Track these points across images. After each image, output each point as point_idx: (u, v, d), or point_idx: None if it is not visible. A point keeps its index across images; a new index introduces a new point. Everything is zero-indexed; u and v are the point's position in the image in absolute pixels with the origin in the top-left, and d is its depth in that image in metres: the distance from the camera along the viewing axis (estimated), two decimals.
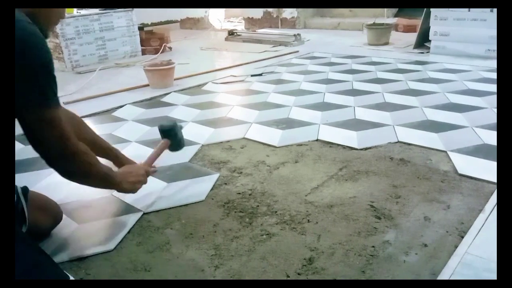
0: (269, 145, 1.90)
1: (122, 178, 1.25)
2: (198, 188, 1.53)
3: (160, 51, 4.25)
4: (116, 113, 2.46)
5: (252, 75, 3.24)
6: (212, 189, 1.53)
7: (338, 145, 1.87)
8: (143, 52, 4.25)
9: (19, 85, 0.86)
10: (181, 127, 1.56)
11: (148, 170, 1.38)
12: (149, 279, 1.08)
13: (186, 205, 1.43)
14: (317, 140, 1.94)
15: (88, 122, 2.32)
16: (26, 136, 0.96)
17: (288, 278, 1.06)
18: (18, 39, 0.85)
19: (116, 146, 1.93)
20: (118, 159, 1.42)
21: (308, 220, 1.31)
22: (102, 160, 1.25)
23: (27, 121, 0.93)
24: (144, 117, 2.36)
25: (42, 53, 0.92)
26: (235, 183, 1.56)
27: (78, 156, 1.04)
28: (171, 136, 1.51)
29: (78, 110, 2.48)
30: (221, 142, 1.96)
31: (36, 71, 0.90)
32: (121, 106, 2.57)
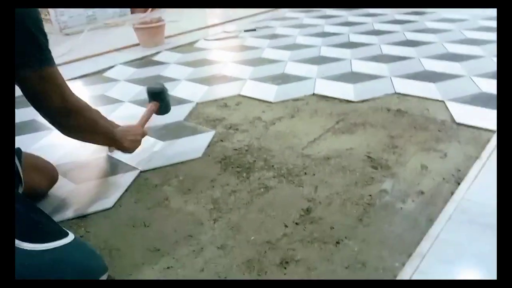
0: (264, 101, 1.88)
1: (121, 136, 1.26)
2: (194, 146, 1.52)
3: (150, 9, 4.11)
4: (107, 74, 2.41)
5: (245, 31, 3.15)
6: (208, 146, 1.52)
7: (335, 98, 1.85)
8: (132, 11, 4.11)
9: (18, 47, 0.86)
10: (167, 91, 1.55)
11: (144, 131, 1.39)
12: (149, 234, 1.09)
13: (183, 162, 1.42)
14: (313, 94, 1.91)
15: (79, 84, 2.29)
16: (27, 96, 0.96)
17: (286, 228, 1.07)
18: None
19: (109, 107, 1.93)
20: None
21: (305, 172, 1.31)
22: None
23: (28, 79, 0.93)
24: (136, 77, 2.31)
25: (37, 14, 0.93)
26: (231, 140, 1.55)
27: (82, 111, 1.05)
28: (160, 99, 1.51)
29: (68, 72, 2.44)
30: (216, 100, 1.93)
31: (33, 31, 0.91)
32: (112, 67, 2.52)
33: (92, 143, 1.25)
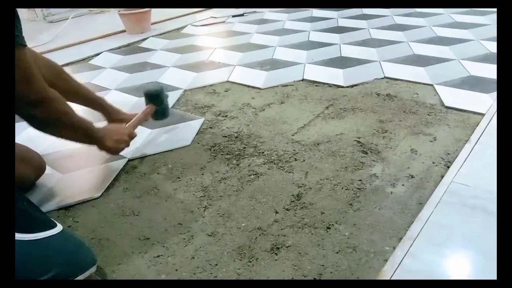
0: (253, 87, 1.86)
1: (105, 134, 1.19)
2: (183, 133, 1.50)
3: None
4: (93, 61, 2.36)
5: (233, 16, 3.11)
6: (197, 133, 1.50)
7: (324, 83, 1.84)
8: None
9: None
10: (167, 96, 1.47)
11: (133, 133, 1.32)
12: (138, 223, 1.07)
13: (172, 150, 1.40)
14: (302, 80, 1.90)
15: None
16: None
17: (277, 214, 1.06)
18: None
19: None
20: (106, 110, 1.37)
21: (295, 158, 1.30)
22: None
23: None
24: (122, 64, 2.27)
25: None
26: (220, 127, 1.54)
27: (46, 102, 0.97)
28: (157, 102, 1.43)
29: (53, 60, 2.38)
30: (204, 86, 1.91)
31: None
32: (97, 54, 2.47)
33: (71, 140, 1.14)
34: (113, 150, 1.24)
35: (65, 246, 0.87)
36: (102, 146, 1.20)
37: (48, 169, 1.30)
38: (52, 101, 0.99)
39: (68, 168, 1.34)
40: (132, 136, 1.31)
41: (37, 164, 1.26)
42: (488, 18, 2.60)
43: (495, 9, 2.78)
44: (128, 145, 1.28)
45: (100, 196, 1.19)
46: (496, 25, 2.44)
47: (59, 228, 0.88)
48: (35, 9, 3.43)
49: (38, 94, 0.94)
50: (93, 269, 0.88)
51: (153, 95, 1.43)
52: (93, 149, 1.42)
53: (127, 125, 1.32)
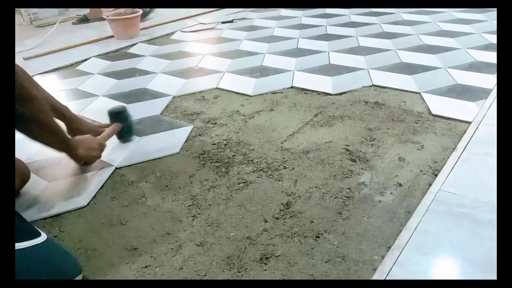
0: (243, 94, 1.86)
1: (77, 142, 1.19)
2: (171, 141, 1.49)
3: None
4: (81, 67, 2.34)
5: (222, 22, 3.11)
6: (186, 141, 1.49)
7: (313, 91, 1.84)
8: None
9: None
10: (131, 116, 1.49)
11: (103, 144, 1.32)
12: (125, 232, 1.06)
13: (160, 158, 1.39)
14: (291, 87, 1.90)
15: (52, 77, 2.21)
16: None
17: (266, 223, 1.06)
18: None
19: (83, 101, 1.87)
20: (71, 120, 1.35)
21: (285, 166, 1.30)
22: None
23: None
24: (111, 70, 2.25)
25: None
26: (209, 134, 1.53)
27: (30, 98, 0.98)
28: (121, 120, 1.44)
29: (39, 65, 2.36)
30: (193, 93, 1.90)
31: None
32: (85, 60, 2.44)
33: (45, 143, 1.13)
34: (84, 158, 1.25)
35: (49, 256, 0.86)
36: (73, 154, 1.21)
37: (33, 177, 1.28)
38: (35, 98, 1.00)
39: (54, 176, 1.31)
40: (103, 148, 1.31)
41: (21, 172, 1.23)
42: (474, 27, 2.64)
43: (481, 18, 2.83)
44: (99, 156, 1.30)
45: (87, 205, 1.17)
46: (481, 34, 2.48)
47: (43, 237, 0.86)
48: (22, 13, 3.39)
49: (23, 89, 0.95)
50: (78, 278, 0.87)
51: (116, 113, 1.44)
52: None
53: (99, 136, 1.33)
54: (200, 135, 1.53)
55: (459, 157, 1.27)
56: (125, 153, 1.42)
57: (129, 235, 1.05)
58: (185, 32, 2.94)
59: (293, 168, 1.29)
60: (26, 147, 1.45)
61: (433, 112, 1.58)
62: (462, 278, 0.87)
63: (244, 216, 1.09)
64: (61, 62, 2.40)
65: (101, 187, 1.25)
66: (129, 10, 2.90)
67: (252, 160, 1.34)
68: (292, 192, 1.18)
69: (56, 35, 2.96)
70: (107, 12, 2.92)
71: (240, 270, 0.93)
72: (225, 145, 1.45)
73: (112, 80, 2.10)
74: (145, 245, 1.02)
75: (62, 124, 1.29)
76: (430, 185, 1.17)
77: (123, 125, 1.45)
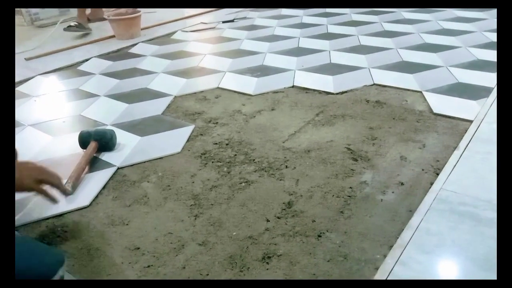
0: (244, 94, 1.86)
1: (20, 164, 1.00)
2: (173, 141, 1.49)
3: None
4: (82, 67, 2.34)
5: (223, 22, 3.11)
6: (187, 140, 1.49)
7: (314, 90, 1.84)
8: None
9: None
10: (103, 132, 1.44)
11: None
12: (128, 232, 1.06)
13: (162, 158, 1.39)
14: (293, 86, 1.90)
15: (53, 78, 2.22)
16: None
17: (268, 222, 1.06)
18: None
19: (84, 101, 1.87)
20: None
21: (286, 166, 1.30)
22: None
23: None
24: (112, 70, 2.25)
25: None
26: (211, 134, 1.53)
27: None
28: (98, 138, 1.42)
29: (41, 66, 2.37)
30: (195, 93, 1.90)
31: None
32: (86, 60, 2.45)
33: None
34: (34, 179, 1.01)
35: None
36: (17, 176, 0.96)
37: None
38: None
39: None
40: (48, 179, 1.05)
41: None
42: (475, 25, 2.64)
43: (482, 17, 2.82)
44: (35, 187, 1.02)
45: (89, 205, 1.18)
46: (482, 33, 2.48)
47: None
48: (23, 14, 3.39)
49: None
50: (60, 272, 0.81)
51: (92, 135, 1.42)
52: (81, 157, 1.42)
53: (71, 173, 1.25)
54: (201, 134, 1.53)
55: (460, 156, 1.27)
56: (127, 153, 1.42)
57: (132, 235, 1.06)
58: (186, 31, 2.94)
59: (295, 168, 1.29)
60: (30, 147, 1.46)
61: (435, 110, 1.58)
62: (464, 276, 0.87)
63: (246, 216, 1.10)
64: (62, 63, 2.41)
65: (103, 187, 1.25)
66: (129, 10, 2.90)
67: (254, 160, 1.35)
68: (294, 192, 1.18)
69: (58, 35, 2.96)
70: (108, 12, 2.92)
71: (242, 269, 0.93)
72: (226, 144, 1.45)
73: (114, 80, 2.10)
74: (148, 245, 1.02)
75: None
76: (431, 183, 1.17)
77: (100, 142, 1.42)
